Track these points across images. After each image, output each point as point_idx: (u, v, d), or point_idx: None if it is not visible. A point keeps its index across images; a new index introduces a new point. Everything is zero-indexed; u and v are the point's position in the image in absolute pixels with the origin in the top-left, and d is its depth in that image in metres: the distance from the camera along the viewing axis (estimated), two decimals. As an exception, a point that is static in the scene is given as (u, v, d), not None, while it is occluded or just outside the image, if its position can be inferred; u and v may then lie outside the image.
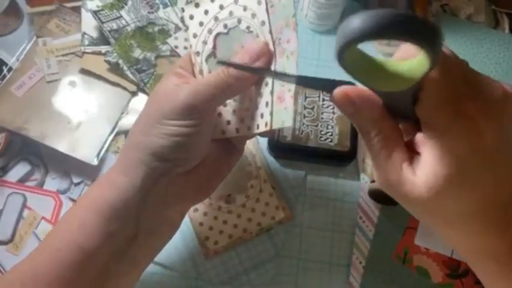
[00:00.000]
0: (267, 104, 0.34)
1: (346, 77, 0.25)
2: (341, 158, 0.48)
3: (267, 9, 0.34)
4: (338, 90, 0.28)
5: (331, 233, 0.48)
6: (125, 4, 0.54)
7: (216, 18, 0.37)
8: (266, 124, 0.34)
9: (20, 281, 0.32)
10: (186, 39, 0.54)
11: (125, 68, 0.52)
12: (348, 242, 0.47)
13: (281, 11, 0.33)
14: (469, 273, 0.46)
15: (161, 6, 0.55)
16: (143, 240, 0.34)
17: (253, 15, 0.35)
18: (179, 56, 0.53)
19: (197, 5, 0.37)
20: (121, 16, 0.54)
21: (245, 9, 0.35)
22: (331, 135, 0.47)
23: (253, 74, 0.34)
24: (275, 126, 0.33)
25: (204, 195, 0.39)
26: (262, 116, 0.35)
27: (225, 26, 0.36)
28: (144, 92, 0.52)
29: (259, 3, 0.34)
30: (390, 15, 0.20)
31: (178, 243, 0.46)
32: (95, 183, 0.37)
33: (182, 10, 0.38)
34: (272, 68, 0.34)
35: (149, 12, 0.54)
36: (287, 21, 0.33)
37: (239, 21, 0.36)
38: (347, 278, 0.46)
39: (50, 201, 0.48)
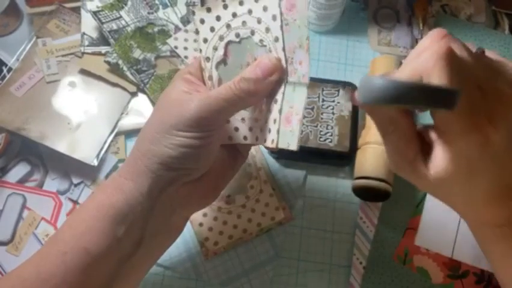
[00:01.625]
0: (275, 121, 0.35)
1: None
2: (340, 158, 0.48)
3: (281, 27, 0.34)
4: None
5: (331, 234, 0.48)
6: (125, 5, 0.54)
7: (228, 26, 0.36)
8: (272, 141, 0.35)
9: (22, 285, 0.31)
10: (186, 40, 0.53)
11: (125, 68, 0.52)
12: (348, 242, 0.47)
13: (295, 31, 0.33)
14: (469, 274, 0.46)
15: (161, 6, 0.55)
16: (148, 245, 0.34)
17: (267, 30, 0.34)
18: (179, 56, 0.53)
19: (209, 10, 0.36)
20: (121, 16, 0.54)
21: (259, 21, 0.35)
22: (331, 135, 0.47)
23: (264, 89, 0.34)
24: (280, 146, 0.34)
25: (209, 201, 0.39)
26: (270, 131, 0.35)
27: (237, 35, 0.36)
28: (144, 92, 0.52)
29: (274, 18, 0.34)
30: (416, 86, 0.24)
31: (178, 244, 0.46)
32: (98, 188, 0.36)
33: (193, 13, 0.37)
34: (283, 86, 0.34)
35: (149, 13, 0.54)
36: (301, 42, 0.33)
37: (252, 32, 0.35)
38: (347, 279, 0.46)
39: (49, 201, 0.48)
